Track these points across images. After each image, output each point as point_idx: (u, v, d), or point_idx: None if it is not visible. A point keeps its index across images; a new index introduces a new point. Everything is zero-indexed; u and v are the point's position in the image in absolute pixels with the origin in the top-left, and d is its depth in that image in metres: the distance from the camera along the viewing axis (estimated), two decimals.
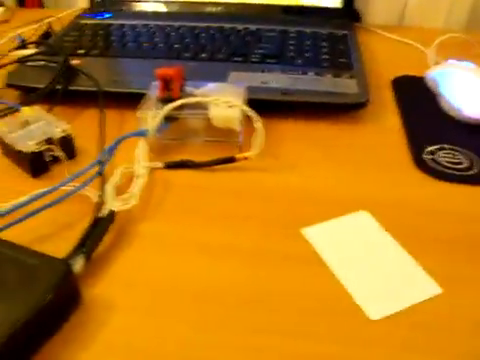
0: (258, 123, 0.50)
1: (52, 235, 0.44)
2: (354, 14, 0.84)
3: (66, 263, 0.37)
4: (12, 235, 0.41)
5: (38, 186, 0.48)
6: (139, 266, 0.41)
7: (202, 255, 0.42)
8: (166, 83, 0.51)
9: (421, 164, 0.52)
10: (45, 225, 0.45)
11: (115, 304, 0.38)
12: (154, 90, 0.54)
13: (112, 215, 0.43)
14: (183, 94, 0.54)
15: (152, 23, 0.79)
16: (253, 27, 0.77)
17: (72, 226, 0.45)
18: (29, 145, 0.50)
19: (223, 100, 0.50)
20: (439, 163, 0.52)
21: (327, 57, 0.68)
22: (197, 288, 0.39)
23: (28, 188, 0.48)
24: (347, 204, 0.47)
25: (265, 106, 0.56)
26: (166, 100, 0.52)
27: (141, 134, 0.51)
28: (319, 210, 0.46)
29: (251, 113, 0.50)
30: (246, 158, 0.50)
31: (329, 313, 0.37)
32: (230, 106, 0.51)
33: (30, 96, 0.61)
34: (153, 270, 0.41)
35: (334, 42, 0.73)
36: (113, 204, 0.44)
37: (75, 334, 0.36)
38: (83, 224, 0.44)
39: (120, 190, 0.47)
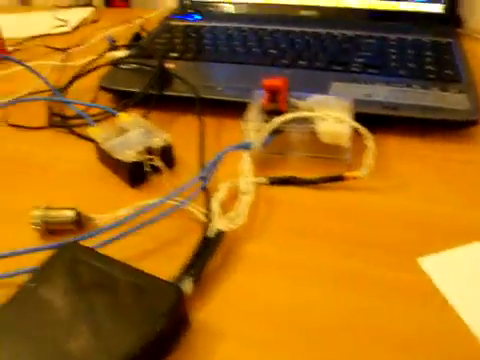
0: (370, 141, 0.47)
1: (154, 251, 0.43)
2: (457, 20, 0.79)
3: (178, 288, 0.35)
4: (112, 250, 0.39)
5: (137, 197, 0.47)
6: (246, 290, 0.39)
7: (311, 281, 0.40)
8: (273, 94, 0.49)
9: None
10: (146, 240, 0.43)
11: (223, 330, 0.36)
12: (258, 100, 0.52)
13: (221, 236, 0.41)
14: (288, 106, 0.51)
15: (244, 26, 0.76)
16: (350, 33, 0.73)
17: (175, 243, 0.43)
18: (129, 154, 0.48)
19: (333, 115, 0.47)
20: None
21: (432, 68, 0.64)
22: (304, 317, 0.37)
23: (127, 199, 0.47)
24: (466, 232, 0.43)
25: (369, 120, 0.53)
26: (273, 112, 0.49)
27: (245, 147, 0.49)
28: (435, 238, 0.43)
29: (362, 130, 0.47)
30: (355, 177, 0.47)
31: (444, 349, 0.34)
32: (339, 121, 0.48)
33: (126, 101, 0.59)
34: (260, 295, 0.39)
35: (438, 51, 0.68)
36: (221, 223, 0.41)
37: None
38: (186, 241, 0.42)
39: (225, 206, 0.45)
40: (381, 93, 0.58)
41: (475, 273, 0.40)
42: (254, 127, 0.49)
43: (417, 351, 0.34)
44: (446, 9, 0.77)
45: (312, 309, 0.37)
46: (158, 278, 0.36)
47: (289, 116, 0.48)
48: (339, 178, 0.47)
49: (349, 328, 0.36)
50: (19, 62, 0.65)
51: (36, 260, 0.38)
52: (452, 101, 0.57)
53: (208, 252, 0.39)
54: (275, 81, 0.49)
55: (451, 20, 0.78)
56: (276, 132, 0.50)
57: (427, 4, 0.77)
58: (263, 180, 0.48)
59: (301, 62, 0.65)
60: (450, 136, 0.55)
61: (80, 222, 0.45)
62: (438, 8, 0.78)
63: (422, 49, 0.69)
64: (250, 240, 0.43)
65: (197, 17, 0.81)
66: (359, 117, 0.50)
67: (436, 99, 0.57)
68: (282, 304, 0.38)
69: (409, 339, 0.35)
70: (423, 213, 0.45)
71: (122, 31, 0.86)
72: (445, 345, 0.35)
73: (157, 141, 0.50)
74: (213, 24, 0.78)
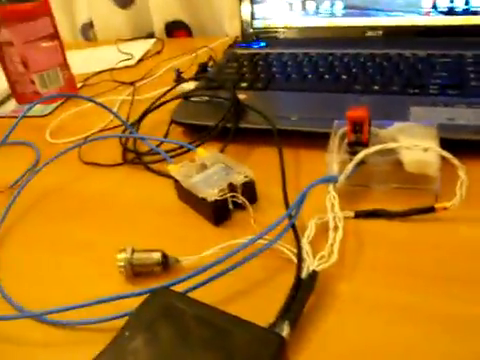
0: (461, 171, 0.45)
1: (244, 294, 0.42)
2: None
3: (280, 336, 0.34)
4: (201, 293, 0.39)
5: (222, 235, 0.46)
6: (342, 331, 0.38)
7: (406, 321, 0.38)
8: (356, 125, 0.48)
9: None
10: (236, 282, 0.42)
11: None
12: (338, 131, 0.51)
13: (315, 276, 0.39)
14: (369, 136, 0.50)
15: (312, 51, 0.76)
16: (421, 53, 0.71)
17: (265, 284, 0.42)
18: (212, 192, 0.47)
19: (420, 145, 0.46)
20: None
21: None
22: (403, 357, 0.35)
23: (211, 237, 0.46)
24: None
25: (453, 145, 0.51)
26: (356, 144, 0.48)
27: (331, 180, 0.47)
28: None
29: (453, 159, 0.45)
30: (446, 208, 0.45)
31: None
32: (425, 150, 0.46)
33: (202, 135, 0.59)
34: (356, 336, 0.37)
35: None
36: (312, 262, 0.40)
37: None
38: (277, 282, 0.42)
39: (314, 243, 0.43)
40: (464, 116, 0.56)
41: None
42: (337, 159, 0.48)
43: None
44: None
45: (406, 351, 0.35)
46: (257, 325, 0.35)
47: (374, 148, 0.46)
48: (430, 210, 0.46)
49: None
50: (90, 99, 0.66)
51: (124, 303, 0.38)
52: None
53: (303, 295, 0.38)
54: (359, 112, 0.47)
55: None
56: (360, 163, 0.48)
57: None
58: (350, 214, 0.47)
59: (375, 87, 0.64)
60: None
61: (167, 264, 0.44)
62: None
63: None
64: (342, 278, 0.42)
65: (262, 44, 0.81)
66: (443, 143, 0.48)
67: None
68: (378, 346, 0.36)
69: None
70: None
71: (186, 62, 0.87)
72: None
73: (239, 177, 0.49)
74: (279, 51, 0.77)
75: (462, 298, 0.39)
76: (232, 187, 0.49)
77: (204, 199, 0.48)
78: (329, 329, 0.38)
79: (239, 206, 0.49)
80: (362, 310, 0.39)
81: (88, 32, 1.19)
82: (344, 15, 0.80)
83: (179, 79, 0.77)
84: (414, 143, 0.47)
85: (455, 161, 0.45)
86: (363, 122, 0.48)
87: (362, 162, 0.49)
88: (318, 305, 0.40)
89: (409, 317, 0.38)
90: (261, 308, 0.38)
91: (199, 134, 0.60)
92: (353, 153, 0.48)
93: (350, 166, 0.47)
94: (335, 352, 0.36)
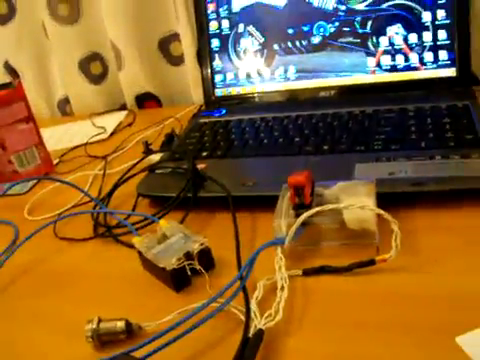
0: (393, 224, 0.49)
1: (200, 355, 0.45)
2: (472, 79, 0.81)
3: None
4: (161, 357, 0.42)
5: (182, 301, 0.50)
6: None
7: None
8: (298, 190, 0.52)
9: None
10: (192, 344, 0.45)
11: None
12: (285, 195, 0.55)
13: (260, 335, 0.43)
14: (313, 197, 0.54)
15: (269, 115, 0.81)
16: (370, 109, 0.76)
17: (219, 344, 0.46)
18: (171, 262, 0.51)
19: (356, 205, 0.50)
20: None
21: (452, 135, 0.65)
22: None
23: (174, 303, 0.50)
24: None
25: (395, 198, 0.55)
26: (299, 207, 0.52)
27: (277, 243, 0.51)
28: (473, 314, 0.44)
29: (386, 216, 0.49)
30: (385, 260, 0.49)
31: None
32: (362, 208, 0.50)
33: (163, 207, 0.63)
34: None
35: (456, 116, 0.70)
36: (259, 322, 0.44)
37: None
38: (230, 341, 0.44)
39: (263, 303, 0.47)
40: (403, 169, 0.60)
41: None
42: (284, 222, 0.52)
43: None
44: (459, 70, 0.79)
45: None
46: None
47: (314, 210, 0.50)
48: (370, 263, 0.49)
49: None
50: (60, 180, 0.70)
51: None
52: (474, 168, 0.58)
53: (250, 353, 0.41)
54: (298, 178, 0.52)
55: (466, 80, 0.79)
56: (306, 224, 0.52)
57: (441, 69, 0.80)
58: (297, 272, 0.50)
59: (325, 147, 0.68)
60: (476, 205, 0.56)
61: (131, 331, 0.48)
62: (452, 71, 0.79)
63: (440, 116, 0.70)
64: (289, 334, 0.45)
65: (223, 111, 0.86)
66: (384, 195, 0.52)
67: (458, 168, 0.59)
68: None
69: None
70: (456, 289, 0.46)
71: (156, 132, 0.92)
72: None
73: (195, 246, 0.53)
74: (239, 117, 0.83)
75: (402, 345, 0.42)
76: (189, 255, 0.52)
77: (164, 268, 0.51)
78: None
79: (199, 272, 0.52)
80: None
81: (65, 107, 1.24)
82: (297, 78, 0.85)
83: (147, 151, 0.81)
84: (351, 203, 0.51)
85: (388, 217, 0.49)
86: (303, 186, 0.52)
87: (308, 223, 0.53)
88: None
89: None
90: None
91: (162, 205, 0.64)
92: (298, 215, 0.52)
93: (293, 228, 0.51)
94: None
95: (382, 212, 0.49)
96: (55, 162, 0.92)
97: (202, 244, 0.53)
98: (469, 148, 0.62)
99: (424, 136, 0.66)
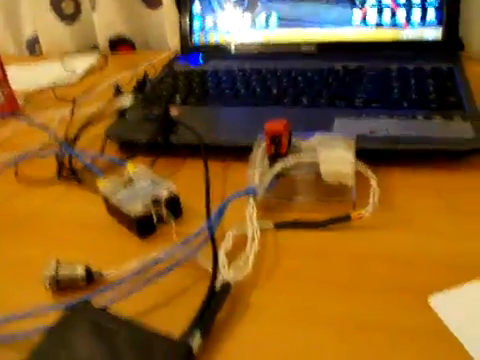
0: (372, 180, 0.47)
1: (163, 305, 0.43)
2: (458, 43, 0.79)
3: (188, 346, 0.35)
4: (121, 306, 0.40)
5: (146, 248, 0.47)
6: (254, 341, 0.39)
7: (320, 328, 0.39)
8: (274, 139, 0.49)
9: None
10: (155, 294, 0.43)
11: None
12: (260, 144, 0.52)
13: (227, 287, 0.41)
14: (290, 148, 0.51)
15: (247, 66, 0.77)
16: (352, 66, 0.74)
17: (184, 294, 0.44)
18: (136, 207, 0.49)
19: (334, 157, 0.48)
20: None
21: (435, 97, 0.64)
22: None
23: (137, 251, 0.47)
24: (475, 266, 0.43)
25: (374, 155, 0.53)
26: (275, 157, 0.50)
27: (250, 193, 0.49)
28: (445, 274, 0.42)
29: (364, 170, 0.47)
30: (361, 217, 0.47)
31: None
32: (341, 162, 0.48)
33: (132, 151, 0.60)
34: (268, 345, 0.38)
35: (440, 78, 0.68)
36: (227, 274, 0.41)
37: None
38: (195, 292, 0.42)
39: (232, 254, 0.45)
40: (385, 127, 0.58)
41: None
42: (258, 172, 0.50)
43: None
44: (446, 33, 0.77)
45: (322, 357, 0.37)
46: (167, 337, 0.36)
47: (290, 161, 0.48)
48: (345, 218, 0.47)
49: None
50: (24, 117, 0.66)
51: (48, 318, 0.38)
52: (456, 130, 0.57)
53: (215, 306, 0.39)
54: (275, 126, 0.49)
55: (452, 44, 0.77)
56: (280, 176, 0.50)
57: (428, 30, 0.77)
58: (269, 225, 0.48)
59: (304, 100, 0.66)
60: (455, 165, 0.55)
61: (91, 278, 0.45)
62: (437, 35, 0.77)
63: (424, 78, 0.69)
64: (257, 289, 0.43)
65: (200, 60, 0.82)
66: (364, 153, 0.50)
67: (440, 129, 0.57)
68: (291, 354, 0.37)
69: None
70: (429, 248, 0.45)
71: (128, 77, 0.88)
72: None
73: (163, 192, 0.50)
74: (216, 66, 0.79)
75: (373, 305, 0.41)
76: (157, 202, 0.50)
77: (128, 214, 0.49)
78: (242, 338, 0.39)
79: (165, 220, 0.50)
80: (275, 319, 0.40)
81: (34, 46, 1.19)
82: (279, 26, 0.82)
83: (118, 95, 0.78)
84: (330, 155, 0.48)
85: (367, 172, 0.47)
86: (280, 135, 0.49)
87: (283, 175, 0.50)
88: (232, 316, 0.41)
89: (323, 325, 0.40)
90: (178, 319, 0.39)
91: (131, 151, 0.61)
92: (273, 165, 0.50)
93: (268, 178, 0.49)
94: None
95: (361, 166, 0.47)
96: (20, 102, 0.87)
97: (170, 191, 0.50)
98: (451, 110, 0.61)
99: (407, 96, 0.65)
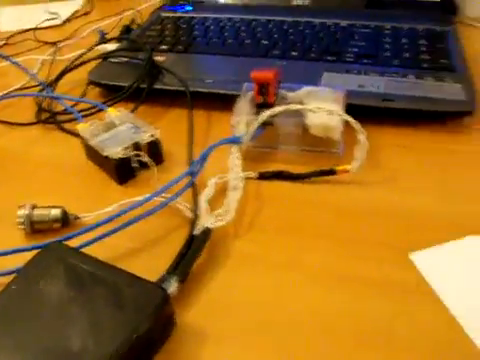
0: (361, 135, 0.45)
1: (141, 250, 0.42)
2: (452, 7, 0.77)
3: (164, 290, 0.34)
4: (98, 249, 0.39)
5: (125, 194, 0.46)
6: (233, 289, 0.38)
7: (299, 279, 0.39)
8: (262, 87, 0.48)
9: None
10: (133, 239, 0.42)
11: (208, 330, 0.35)
12: (247, 93, 0.51)
13: (207, 233, 0.40)
14: (278, 98, 0.50)
15: (237, 17, 0.75)
16: (344, 22, 0.72)
17: (162, 241, 0.42)
18: (116, 151, 0.47)
19: (324, 108, 0.46)
20: None
21: (427, 58, 0.62)
22: (291, 317, 0.36)
23: (115, 196, 0.46)
24: (457, 225, 0.42)
25: (362, 111, 0.52)
26: (262, 105, 0.48)
27: (234, 141, 0.48)
28: (427, 231, 0.42)
29: (354, 124, 0.46)
30: (347, 171, 0.46)
31: (437, 348, 0.33)
32: (330, 114, 0.47)
33: (115, 95, 0.58)
34: (247, 294, 0.38)
35: (433, 40, 0.67)
36: (208, 220, 0.40)
37: None
38: (174, 239, 0.42)
39: (213, 202, 0.44)
40: (375, 84, 0.57)
41: (465, 268, 0.39)
42: (243, 121, 0.48)
43: (407, 350, 0.33)
44: None
45: (299, 308, 0.36)
46: (143, 279, 0.35)
47: (278, 109, 0.47)
48: (330, 172, 0.46)
49: (338, 327, 0.35)
50: (7, 58, 0.64)
51: (22, 260, 0.37)
52: (447, 91, 0.56)
53: (194, 251, 0.38)
54: (264, 73, 0.48)
55: (447, 7, 0.76)
56: (266, 125, 0.48)
57: None
58: (252, 175, 0.47)
59: (293, 53, 0.64)
60: (444, 127, 0.54)
61: (66, 221, 0.44)
62: None
63: (417, 38, 0.67)
64: (238, 237, 0.42)
65: (188, 8, 0.80)
66: (352, 108, 0.49)
67: (431, 90, 0.56)
68: (269, 303, 0.37)
69: (398, 337, 0.34)
70: (413, 206, 0.44)
71: (114, 23, 0.85)
72: (435, 341, 0.34)
73: (145, 136, 0.49)
74: (204, 15, 0.77)
75: (352, 257, 0.40)
76: (137, 146, 0.48)
77: (108, 157, 0.47)
78: (220, 286, 0.38)
79: (146, 165, 0.48)
80: (255, 268, 0.40)
81: None
82: None
83: (102, 41, 0.75)
84: (318, 106, 0.47)
85: (356, 125, 0.46)
86: (268, 83, 0.48)
87: (269, 124, 0.49)
88: (212, 263, 0.40)
89: (302, 275, 0.39)
90: (156, 265, 0.38)
91: (114, 96, 0.59)
92: (260, 114, 0.48)
93: (254, 127, 0.47)
94: (223, 308, 0.37)
95: (351, 119, 0.46)
96: (0, 43, 0.84)
97: (152, 135, 0.49)
98: (443, 72, 0.60)
99: (398, 55, 0.63)
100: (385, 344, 0.34)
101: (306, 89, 0.51)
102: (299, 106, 0.47)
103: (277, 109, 0.47)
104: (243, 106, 0.50)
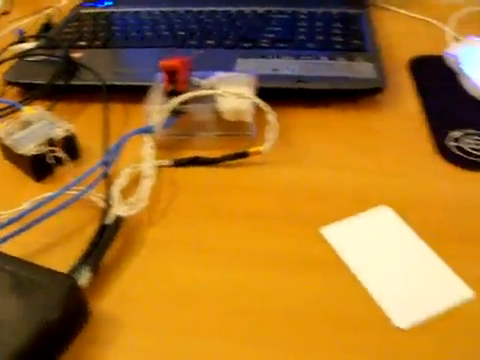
0: (270, 115, 0.47)
1: (56, 245, 0.42)
2: None
3: (72, 279, 0.35)
4: (12, 247, 0.39)
5: (42, 190, 0.46)
6: (148, 276, 0.39)
7: (215, 262, 0.40)
8: (171, 75, 0.48)
9: (445, 152, 0.49)
10: (48, 234, 0.43)
11: (123, 318, 0.36)
12: (159, 83, 0.51)
13: (119, 222, 0.40)
14: (190, 86, 0.51)
15: (155, 10, 0.75)
16: (261, 10, 0.73)
17: (77, 234, 0.43)
18: (29, 148, 0.47)
19: (232, 92, 0.47)
20: (464, 150, 0.49)
21: (340, 39, 0.64)
22: (211, 298, 0.37)
23: (32, 193, 0.46)
24: (367, 198, 0.44)
25: (277, 94, 0.53)
26: (172, 93, 0.49)
27: (147, 131, 0.48)
28: (338, 206, 0.44)
29: (262, 105, 0.47)
30: (259, 152, 0.47)
31: (351, 322, 0.35)
32: (240, 97, 0.48)
33: (31, 94, 0.58)
34: (161, 280, 0.38)
35: (347, 22, 0.69)
36: (120, 209, 0.41)
37: (82, 354, 0.34)
38: (88, 231, 0.42)
39: (128, 192, 0.44)
40: (290, 67, 0.58)
41: (375, 238, 0.41)
42: (156, 110, 0.49)
43: (320, 324, 0.35)
44: None
45: (213, 291, 0.37)
46: (52, 270, 0.35)
47: (185, 96, 0.47)
48: (243, 155, 0.47)
49: (265, 308, 0.36)
50: None
51: None
52: (358, 70, 0.58)
53: (105, 240, 0.39)
54: (171, 61, 0.48)
55: None
56: (179, 114, 0.49)
57: None
58: (166, 163, 0.48)
59: (209, 42, 0.65)
60: (355, 105, 0.56)
61: None
62: None
63: (331, 21, 0.69)
64: (153, 225, 0.43)
65: (108, 3, 0.80)
66: (267, 92, 0.50)
67: (343, 69, 0.58)
68: (183, 288, 0.38)
69: (311, 312, 0.36)
70: (326, 182, 0.46)
71: (34, 22, 0.84)
72: (347, 314, 0.35)
73: (59, 132, 0.49)
74: (124, 9, 0.77)
75: (268, 235, 0.42)
76: (52, 142, 0.48)
77: (22, 155, 0.47)
78: (134, 274, 0.39)
79: (62, 161, 0.49)
80: (170, 254, 0.41)
81: None
82: None
83: (22, 40, 0.74)
84: (228, 91, 0.48)
85: (265, 107, 0.47)
86: (176, 71, 0.48)
87: (181, 112, 0.50)
88: (126, 252, 0.41)
89: (217, 259, 0.40)
90: (69, 258, 0.38)
91: (28, 93, 0.58)
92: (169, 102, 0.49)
93: (165, 115, 0.48)
94: (138, 297, 0.37)
95: (258, 101, 0.47)
96: None
97: (67, 130, 0.49)
98: (355, 52, 0.62)
99: (313, 38, 0.65)
100: (297, 317, 0.35)
101: (218, 75, 0.52)
102: (208, 91, 0.48)
103: (185, 96, 0.47)
104: (156, 96, 0.50)
